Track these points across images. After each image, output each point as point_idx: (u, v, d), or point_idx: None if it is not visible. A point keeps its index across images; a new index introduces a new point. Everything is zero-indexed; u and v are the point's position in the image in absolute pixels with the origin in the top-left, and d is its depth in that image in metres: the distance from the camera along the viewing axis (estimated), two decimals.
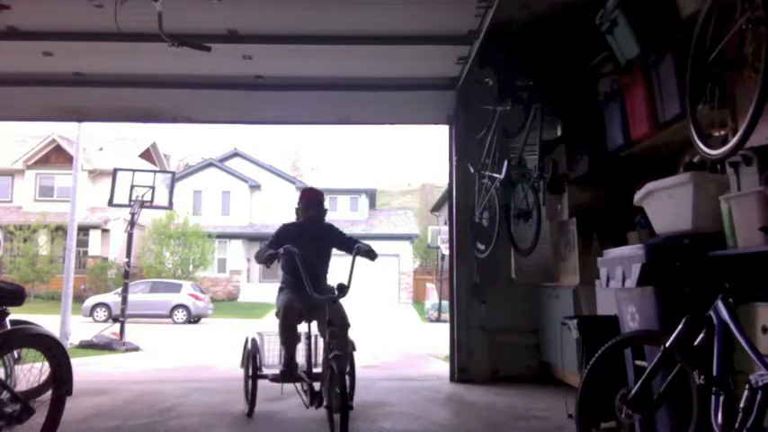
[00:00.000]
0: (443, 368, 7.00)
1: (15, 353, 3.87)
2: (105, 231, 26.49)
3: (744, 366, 2.39)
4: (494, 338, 6.29)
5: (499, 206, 5.21)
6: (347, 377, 4.05)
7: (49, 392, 3.16)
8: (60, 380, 3.15)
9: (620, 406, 2.75)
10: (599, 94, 5.10)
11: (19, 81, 6.38)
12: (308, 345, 4.15)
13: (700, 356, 2.50)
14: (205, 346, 12.75)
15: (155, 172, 14.11)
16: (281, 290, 4.53)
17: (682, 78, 3.48)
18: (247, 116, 7.21)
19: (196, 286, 21.75)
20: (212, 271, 27.94)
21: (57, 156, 27.34)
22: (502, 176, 5.06)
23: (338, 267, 4.52)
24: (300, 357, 4.20)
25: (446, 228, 13.09)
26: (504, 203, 5.15)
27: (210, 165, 30.92)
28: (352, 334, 4.26)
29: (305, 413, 3.83)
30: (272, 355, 4.71)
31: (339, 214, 28.91)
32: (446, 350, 6.93)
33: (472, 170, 5.96)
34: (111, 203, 12.23)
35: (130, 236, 11.80)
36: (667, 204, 3.53)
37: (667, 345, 2.63)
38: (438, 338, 10.16)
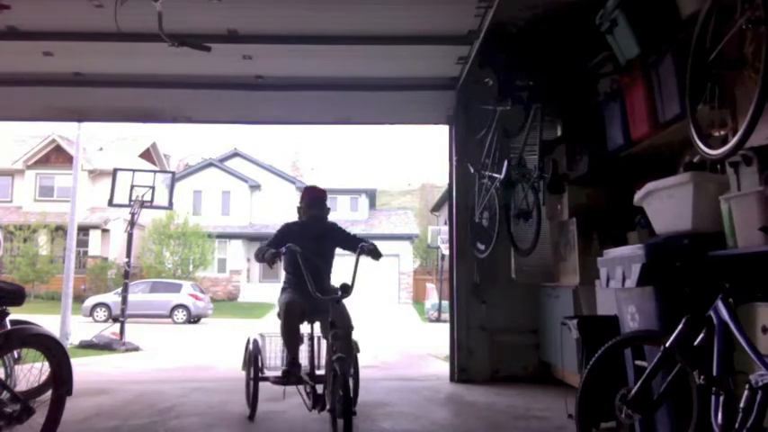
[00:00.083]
0: (443, 368, 7.00)
1: (15, 353, 3.87)
2: (105, 231, 26.50)
3: (744, 366, 2.39)
4: (494, 338, 6.29)
5: (499, 206, 5.21)
6: (350, 380, 3.95)
7: (49, 392, 3.16)
8: (60, 380, 3.15)
9: (620, 406, 2.75)
10: (599, 94, 5.10)
11: (19, 81, 6.38)
12: (311, 346, 4.07)
13: (700, 356, 2.50)
14: (205, 346, 12.76)
15: (155, 172, 14.12)
16: (283, 290, 4.40)
17: (682, 78, 3.48)
18: (247, 116, 7.21)
19: (196, 286, 21.76)
20: (212, 271, 27.94)
21: (57, 156, 27.35)
22: (502, 176, 5.06)
23: (341, 267, 4.42)
24: (303, 359, 4.09)
25: (446, 228, 13.10)
26: (504, 203, 5.15)
27: (210, 165, 30.93)
28: (354, 334, 4.15)
29: (306, 413, 3.82)
30: (274, 356, 4.60)
31: (339, 214, 28.89)
32: (446, 350, 6.93)
33: (472, 170, 5.97)
34: (111, 203, 12.23)
35: (130, 236, 11.81)
36: (667, 204, 3.53)
37: (667, 345, 2.63)
38: (438, 338, 10.16)
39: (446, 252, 14.49)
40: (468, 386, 6.02)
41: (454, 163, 6.64)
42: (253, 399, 4.37)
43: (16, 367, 4.02)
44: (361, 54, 5.88)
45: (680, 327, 2.61)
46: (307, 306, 4.08)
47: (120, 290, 13.60)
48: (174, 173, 15.51)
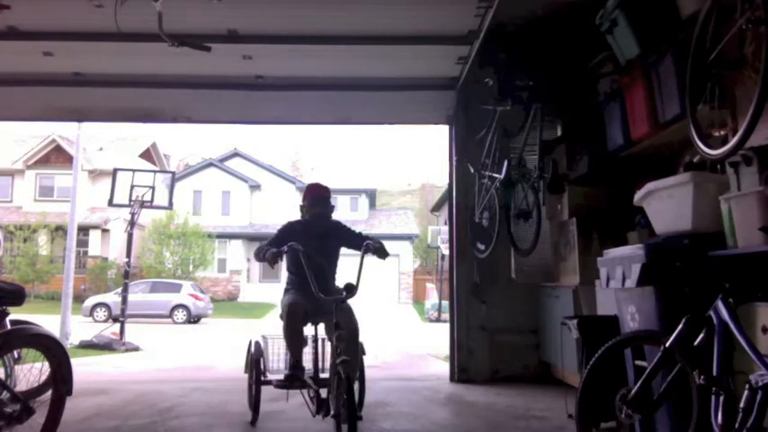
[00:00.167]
0: (443, 368, 7.00)
1: (15, 353, 3.88)
2: (105, 231, 26.50)
3: (744, 366, 2.39)
4: (494, 338, 6.29)
5: (499, 206, 5.21)
6: (356, 383, 3.85)
7: (49, 392, 3.16)
8: (60, 380, 3.15)
9: (620, 406, 2.75)
10: (599, 94, 5.10)
11: (19, 81, 6.38)
12: (315, 349, 3.91)
13: (700, 356, 2.50)
14: (205, 346, 12.75)
15: (155, 172, 14.11)
16: (285, 291, 4.24)
17: (682, 78, 3.48)
18: (247, 116, 7.21)
19: (196, 286, 21.76)
20: (212, 271, 27.94)
21: (57, 156, 27.35)
22: (502, 176, 5.05)
23: (345, 267, 4.32)
24: (307, 362, 3.95)
25: (446, 228, 13.10)
26: (504, 203, 5.15)
27: (210, 165, 30.93)
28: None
29: (307, 413, 3.80)
30: (276, 359, 4.43)
31: (339, 214, 28.51)
32: (446, 350, 6.93)
33: (472, 170, 5.97)
34: (111, 203, 12.23)
35: (130, 236, 11.80)
36: (667, 204, 3.53)
37: (667, 345, 2.63)
38: (438, 338, 10.16)
39: (446, 252, 14.49)
40: (468, 386, 6.02)
41: (454, 163, 6.64)
42: (255, 403, 4.23)
43: (16, 367, 4.03)
44: (361, 54, 5.88)
45: (680, 327, 2.61)
46: (310, 307, 3.93)
47: (120, 290, 13.60)
48: (174, 173, 15.51)
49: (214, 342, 13.52)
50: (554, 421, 4.42)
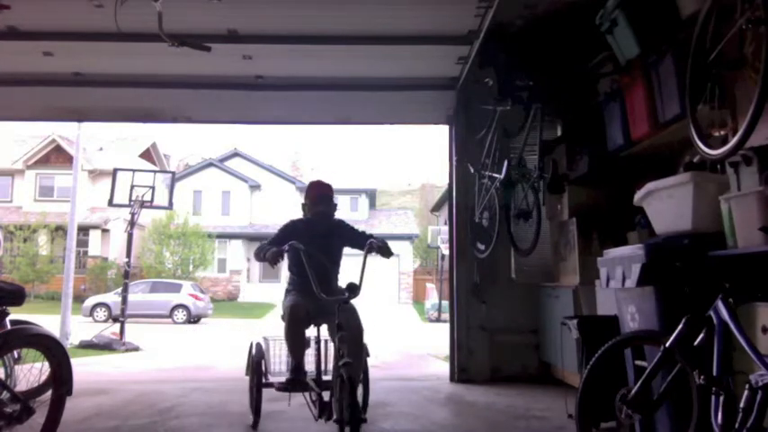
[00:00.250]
0: (443, 368, 7.00)
1: (15, 353, 3.88)
2: (105, 231, 26.50)
3: (744, 366, 2.39)
4: (494, 338, 6.29)
5: (499, 206, 5.21)
6: (360, 386, 3.76)
7: (49, 392, 3.16)
8: (60, 380, 3.15)
9: (620, 406, 2.75)
10: (599, 94, 5.10)
11: (19, 81, 6.38)
12: (318, 350, 3.80)
13: (700, 356, 2.51)
14: (205, 346, 12.75)
15: (155, 172, 14.11)
16: (287, 292, 4.13)
17: (682, 78, 3.48)
18: (247, 116, 7.21)
19: (196, 286, 21.76)
20: (212, 271, 27.94)
21: (57, 156, 27.35)
22: (502, 176, 5.05)
23: (347, 266, 4.22)
24: (310, 364, 3.85)
25: (446, 228, 13.10)
26: (504, 203, 5.15)
27: (210, 165, 30.94)
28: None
29: (307, 412, 3.78)
30: (279, 361, 4.33)
31: (339, 214, 28.76)
32: (446, 350, 6.93)
33: (472, 170, 5.96)
34: (111, 203, 12.23)
35: (130, 236, 11.80)
36: (667, 204, 3.53)
37: (667, 345, 2.63)
38: (438, 338, 10.16)
39: (446, 252, 14.49)
40: (468, 386, 6.02)
41: (454, 163, 6.64)
42: (256, 406, 4.11)
43: (16, 367, 4.03)
44: (361, 54, 5.88)
45: (680, 327, 2.61)
46: (313, 308, 3.82)
47: (120, 290, 13.60)
48: (174, 173, 15.51)
49: (214, 342, 13.52)
50: (554, 421, 4.42)
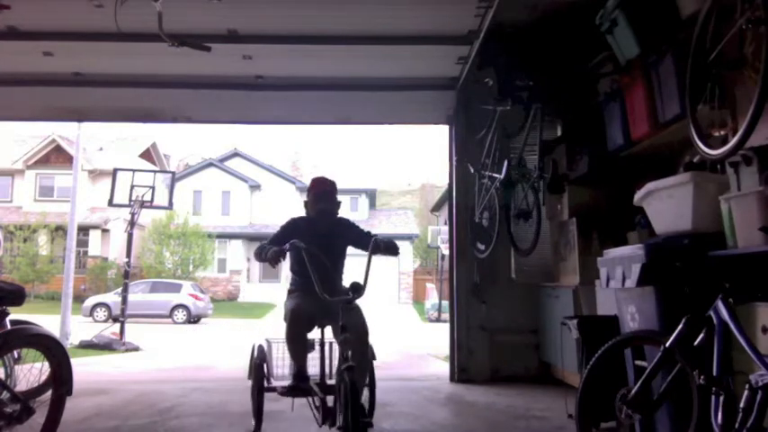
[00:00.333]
0: (443, 368, 7.00)
1: (15, 353, 3.87)
2: (105, 231, 26.50)
3: (744, 366, 2.39)
4: (494, 338, 6.29)
5: (499, 206, 5.21)
6: (366, 390, 3.68)
7: (49, 392, 3.16)
8: (60, 380, 3.15)
9: (620, 406, 2.75)
10: (599, 94, 5.10)
11: (19, 81, 6.38)
12: (322, 353, 3.64)
13: (700, 356, 2.51)
14: (205, 346, 12.76)
15: (155, 172, 14.12)
16: (289, 293, 3.97)
17: (682, 78, 3.48)
18: (247, 116, 7.21)
19: (196, 286, 21.76)
20: (212, 271, 27.95)
21: (57, 156, 27.35)
22: (502, 176, 5.05)
23: (350, 266, 4.07)
24: (314, 367, 3.68)
25: (446, 228, 13.10)
26: (504, 203, 5.15)
27: (210, 165, 30.94)
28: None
29: (308, 412, 3.74)
30: (281, 364, 4.12)
31: (340, 214, 28.84)
32: (446, 350, 6.93)
33: (472, 170, 5.97)
34: (111, 203, 12.24)
35: (130, 236, 11.81)
36: (667, 204, 3.53)
37: (667, 345, 2.63)
38: (438, 338, 10.16)
39: (446, 252, 14.49)
40: (468, 386, 6.02)
41: (454, 163, 6.64)
42: (257, 411, 3.91)
43: (16, 367, 4.02)
44: (361, 54, 5.88)
45: (680, 327, 2.61)
46: (316, 309, 3.63)
47: (120, 290, 13.60)
48: (174, 173, 15.52)
49: (214, 342, 13.53)
50: (554, 421, 4.42)
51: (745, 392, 2.22)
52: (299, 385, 3.64)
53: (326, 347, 3.71)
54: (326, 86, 6.55)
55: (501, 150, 5.41)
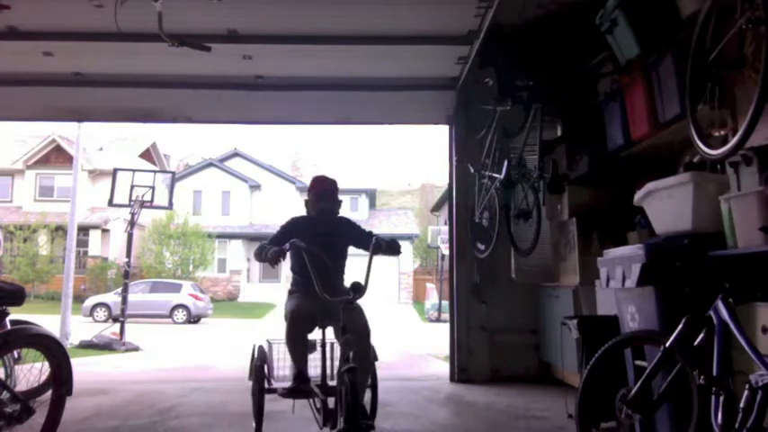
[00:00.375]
0: (443, 368, 7.00)
1: (15, 353, 3.87)
2: (105, 231, 26.50)
3: (744, 366, 2.39)
4: (494, 338, 6.29)
5: (499, 206, 5.21)
6: (368, 391, 3.64)
7: (49, 392, 3.17)
8: (60, 380, 3.15)
9: (620, 406, 2.75)
10: (599, 94, 5.10)
11: (19, 81, 6.38)
12: (323, 354, 3.55)
13: (700, 356, 2.51)
14: (205, 346, 12.76)
15: (155, 172, 14.12)
16: (290, 293, 3.93)
17: (682, 78, 3.48)
18: (247, 116, 7.21)
19: (196, 286, 21.76)
20: (212, 271, 27.95)
21: (57, 156, 27.35)
22: (502, 176, 5.05)
23: (352, 266, 4.02)
24: (316, 368, 3.62)
25: (446, 228, 13.10)
26: (504, 203, 5.15)
27: (210, 165, 30.94)
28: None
29: (309, 413, 3.73)
30: (283, 365, 4.05)
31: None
32: (446, 350, 6.93)
33: (472, 170, 5.97)
34: (111, 203, 12.24)
35: (130, 236, 11.81)
36: (667, 204, 3.53)
37: (667, 345, 2.63)
38: (438, 338, 10.16)
39: (446, 252, 14.49)
40: (468, 386, 6.02)
41: (454, 163, 6.64)
42: (258, 413, 3.83)
43: (16, 367, 4.02)
44: (361, 54, 5.88)
45: (680, 327, 2.61)
46: (317, 310, 3.57)
47: (120, 290, 13.60)
48: (174, 173, 15.52)
49: (214, 342, 13.53)
50: (554, 421, 4.42)
51: (745, 392, 2.22)
52: (300, 387, 3.57)
53: (328, 348, 3.63)
54: (326, 86, 6.55)
55: (501, 150, 5.41)
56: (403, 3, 4.95)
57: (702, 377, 2.43)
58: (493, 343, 6.29)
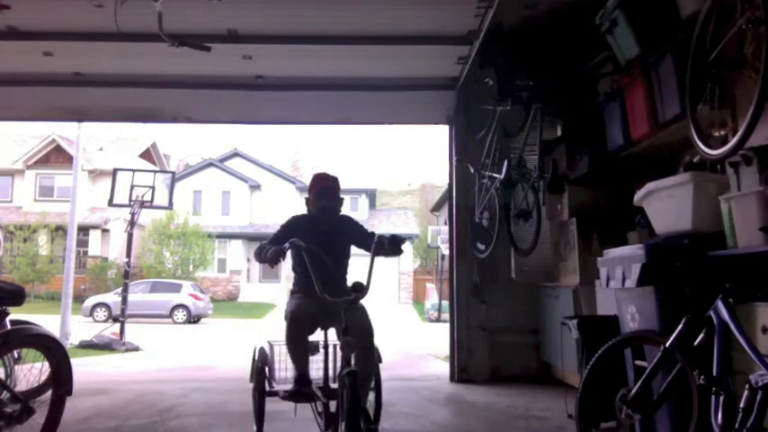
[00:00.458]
0: (443, 368, 7.00)
1: (15, 353, 3.88)
2: (105, 231, 26.49)
3: (744, 366, 2.39)
4: (494, 338, 6.29)
5: (499, 206, 5.21)
6: (371, 394, 3.56)
7: (49, 392, 3.17)
8: (60, 380, 3.15)
9: (620, 406, 2.75)
10: (599, 94, 5.10)
11: (19, 81, 6.39)
12: (326, 356, 3.45)
13: (700, 356, 2.51)
14: (205, 346, 12.76)
15: (155, 172, 14.12)
16: (291, 293, 3.82)
17: (682, 78, 3.48)
18: (247, 116, 7.22)
19: (196, 286, 21.77)
20: (212, 271, 27.94)
21: (57, 156, 27.34)
22: (502, 176, 5.05)
23: (354, 266, 3.92)
24: (319, 370, 3.52)
25: (446, 228, 13.10)
26: (504, 203, 5.15)
27: (210, 165, 30.94)
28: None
29: (310, 413, 3.70)
30: (284, 367, 3.94)
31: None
32: (446, 350, 6.93)
33: (472, 170, 5.97)
34: (111, 203, 12.24)
35: (130, 236, 11.81)
36: (667, 204, 3.53)
37: (667, 345, 2.63)
38: (438, 338, 10.16)
39: (446, 252, 14.48)
40: (468, 386, 6.02)
41: (454, 163, 6.64)
42: (258, 416, 3.77)
43: (16, 367, 4.03)
44: (361, 54, 5.88)
45: (680, 327, 2.61)
46: (318, 310, 3.47)
47: (120, 290, 13.60)
48: (174, 173, 15.52)
49: (214, 342, 13.53)
50: (554, 421, 4.42)
51: (745, 392, 2.22)
52: (301, 390, 3.48)
53: (331, 350, 3.51)
54: (326, 86, 6.55)
55: (501, 150, 5.41)
56: (403, 3, 4.95)
57: (702, 377, 2.43)
58: (493, 343, 6.29)
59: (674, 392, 2.64)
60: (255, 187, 30.53)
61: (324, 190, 3.76)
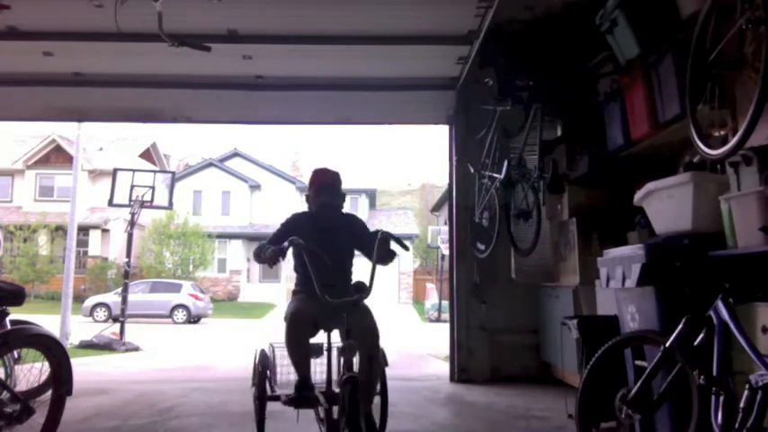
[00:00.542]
0: (443, 368, 7.00)
1: (15, 353, 3.88)
2: (105, 231, 26.50)
3: (744, 366, 2.39)
4: (494, 338, 6.29)
5: (499, 206, 5.21)
6: (377, 398, 3.47)
7: (49, 392, 3.17)
8: (60, 380, 3.15)
9: (620, 406, 2.75)
10: (599, 94, 5.10)
11: (19, 81, 6.39)
12: (329, 359, 3.31)
13: (700, 356, 2.50)
14: (205, 346, 12.76)
15: (155, 172, 14.12)
16: (293, 294, 3.70)
17: (682, 78, 3.48)
18: (247, 116, 7.21)
19: (196, 286, 21.77)
20: (212, 271, 27.95)
21: (57, 156, 27.34)
22: (502, 176, 5.05)
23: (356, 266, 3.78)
24: (322, 374, 3.39)
25: (446, 228, 13.10)
26: (504, 203, 5.15)
27: (210, 165, 30.94)
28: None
29: (310, 413, 3.66)
30: (286, 371, 3.77)
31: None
32: (446, 350, 6.93)
33: (472, 170, 5.97)
34: (111, 203, 12.24)
35: (130, 236, 11.81)
36: (667, 204, 3.53)
37: (667, 345, 2.63)
38: (438, 338, 10.15)
39: (446, 252, 14.48)
40: (468, 386, 6.02)
41: (454, 163, 6.64)
42: (259, 420, 3.64)
43: (16, 367, 4.03)
44: (361, 54, 5.88)
45: (680, 327, 2.61)
46: (320, 311, 3.31)
47: (120, 290, 13.60)
48: (173, 173, 15.52)
49: (214, 342, 13.53)
50: (554, 421, 4.42)
51: (745, 392, 2.22)
52: (303, 394, 3.34)
53: (334, 353, 3.36)
54: (326, 86, 6.55)
55: (501, 150, 5.41)
56: (403, 3, 4.95)
57: (702, 377, 2.43)
58: (493, 343, 6.29)
59: (674, 392, 2.64)
60: (255, 187, 30.53)
61: (324, 186, 3.63)
